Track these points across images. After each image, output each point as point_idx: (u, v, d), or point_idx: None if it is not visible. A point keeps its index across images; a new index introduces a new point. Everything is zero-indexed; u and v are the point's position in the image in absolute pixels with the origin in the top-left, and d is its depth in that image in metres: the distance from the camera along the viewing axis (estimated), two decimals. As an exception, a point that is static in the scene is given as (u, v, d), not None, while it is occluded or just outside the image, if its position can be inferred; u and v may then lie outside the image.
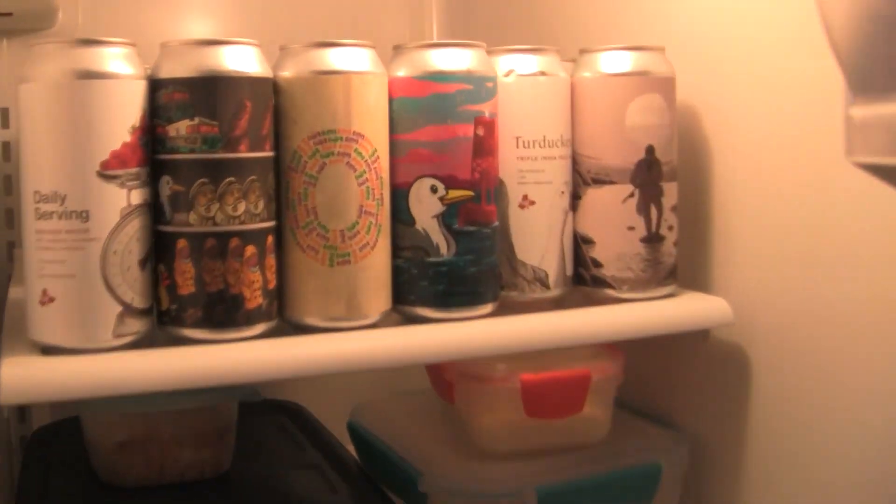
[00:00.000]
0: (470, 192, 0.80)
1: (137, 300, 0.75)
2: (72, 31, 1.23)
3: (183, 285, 0.75)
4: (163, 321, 0.77)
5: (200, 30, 1.33)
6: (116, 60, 0.73)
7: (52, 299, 0.74)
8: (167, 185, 0.75)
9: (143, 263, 0.75)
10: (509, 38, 0.93)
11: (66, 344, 0.74)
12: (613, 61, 0.87)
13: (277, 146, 0.78)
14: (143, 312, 0.75)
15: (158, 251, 0.76)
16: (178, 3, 1.32)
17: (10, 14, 1.10)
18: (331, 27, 1.33)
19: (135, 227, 0.74)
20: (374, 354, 0.78)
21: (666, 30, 0.96)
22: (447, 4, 1.46)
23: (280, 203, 0.79)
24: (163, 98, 0.75)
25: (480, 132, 0.81)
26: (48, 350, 0.75)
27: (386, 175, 0.80)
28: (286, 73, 0.78)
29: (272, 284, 0.78)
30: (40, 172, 0.73)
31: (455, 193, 0.80)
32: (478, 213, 0.81)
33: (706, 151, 0.93)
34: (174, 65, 0.75)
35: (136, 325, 0.75)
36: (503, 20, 1.30)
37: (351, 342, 0.78)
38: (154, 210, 0.76)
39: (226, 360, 0.75)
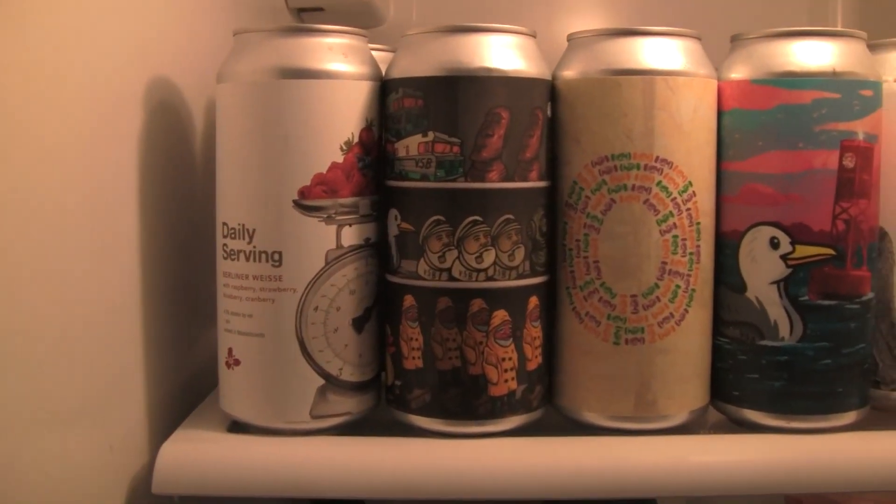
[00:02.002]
0: (829, 250, 0.58)
1: (349, 371, 0.58)
2: (405, 28, 1.11)
3: (409, 357, 0.58)
4: (388, 399, 0.61)
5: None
6: (332, 54, 0.57)
7: (237, 362, 0.59)
8: (395, 222, 0.58)
9: (359, 323, 0.59)
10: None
11: (253, 420, 0.59)
12: None
13: (554, 174, 0.60)
14: (359, 387, 0.59)
15: (386, 307, 0.60)
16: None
17: (321, 9, 1.00)
18: (717, 16, 1.14)
19: (347, 275, 0.58)
20: (657, 473, 0.57)
21: None
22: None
23: (555, 252, 0.61)
24: (392, 105, 0.58)
25: (849, 163, 0.58)
26: (236, 425, 0.60)
27: (708, 220, 0.59)
28: (568, 72, 0.59)
29: (535, 364, 0.59)
30: (226, 198, 0.59)
31: (806, 251, 0.58)
32: (840, 281, 0.58)
33: None
34: (410, 60, 0.58)
35: (345, 405, 0.59)
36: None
37: (632, 451, 0.58)
38: (383, 253, 0.60)
39: (449, 461, 0.57)
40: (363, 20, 1.01)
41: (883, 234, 0.62)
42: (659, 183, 0.57)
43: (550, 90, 0.59)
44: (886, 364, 0.63)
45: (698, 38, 0.60)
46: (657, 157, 0.57)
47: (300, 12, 0.97)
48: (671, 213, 0.57)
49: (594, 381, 0.59)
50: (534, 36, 0.60)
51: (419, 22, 1.06)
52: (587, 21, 1.11)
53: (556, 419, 0.62)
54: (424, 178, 0.57)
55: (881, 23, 1.09)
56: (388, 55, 0.62)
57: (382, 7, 1.00)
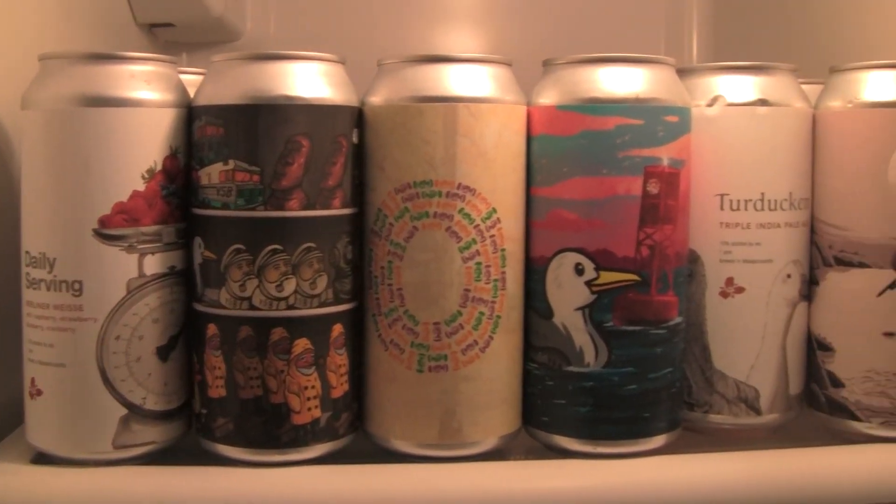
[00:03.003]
0: (633, 276, 0.59)
1: (153, 400, 0.59)
2: (260, 43, 1.12)
3: (213, 385, 0.59)
4: (196, 427, 0.61)
5: (436, 44, 1.18)
6: (134, 82, 0.57)
7: (40, 392, 0.59)
8: (199, 250, 0.58)
9: (164, 352, 0.59)
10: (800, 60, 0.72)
11: (56, 451, 0.59)
12: (876, 85, 0.63)
13: (361, 201, 0.61)
14: (165, 416, 0.60)
15: (193, 336, 0.61)
16: (384, 10, 1.17)
17: (171, 25, 1.00)
18: (575, 44, 1.16)
19: (150, 304, 0.58)
20: (459, 500, 0.58)
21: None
22: (714, 14, 1.24)
23: (364, 279, 0.61)
24: (196, 133, 0.59)
25: (653, 188, 0.60)
26: (41, 457, 0.60)
27: (514, 246, 0.60)
28: (375, 99, 0.60)
29: (340, 391, 0.59)
30: (28, 227, 0.59)
31: (610, 277, 0.59)
32: (644, 307, 0.60)
33: None
34: (213, 88, 0.59)
35: (149, 434, 0.59)
36: (790, 35, 1.06)
37: (435, 479, 0.59)
38: (191, 281, 0.61)
39: (250, 490, 0.57)
40: (216, 35, 1.02)
41: (695, 258, 0.64)
42: (461, 210, 0.58)
43: (358, 117, 0.60)
44: (700, 387, 0.65)
45: (508, 65, 0.61)
46: (459, 185, 0.58)
47: (151, 28, 0.97)
48: (474, 241, 0.58)
49: (400, 408, 0.60)
50: (342, 63, 0.60)
51: (277, 36, 1.07)
52: (456, 46, 1.13)
53: (368, 446, 0.62)
54: (225, 206, 0.57)
55: (735, 50, 1.12)
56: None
57: (236, 22, 1.01)
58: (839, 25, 0.92)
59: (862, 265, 0.63)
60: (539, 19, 1.19)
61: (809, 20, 0.99)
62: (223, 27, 1.03)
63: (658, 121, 0.59)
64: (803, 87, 0.68)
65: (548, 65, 0.62)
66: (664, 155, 0.59)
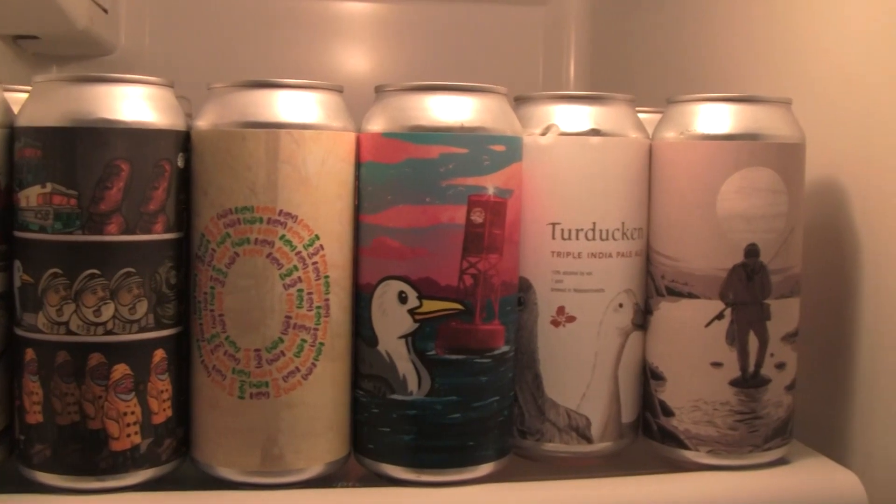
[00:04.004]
0: (456, 305, 0.61)
1: (-34, 426, 0.60)
2: (136, 57, 1.13)
3: (31, 411, 0.59)
4: (17, 454, 0.61)
5: (301, 66, 1.20)
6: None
7: None
8: (18, 273, 0.59)
9: (-22, 376, 0.61)
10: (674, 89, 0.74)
11: None
12: (708, 118, 0.65)
13: (190, 226, 0.62)
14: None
15: (12, 360, 0.61)
16: (263, 30, 1.19)
17: (35, 37, 1.01)
18: (453, 73, 1.18)
19: (-38, 329, 0.59)
20: None
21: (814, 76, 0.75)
22: (590, 48, 1.27)
23: (189, 305, 0.62)
24: (17, 154, 0.59)
25: (478, 217, 0.61)
26: None
27: (340, 273, 0.61)
28: (201, 123, 0.61)
29: (162, 417, 0.60)
30: None
31: (433, 305, 0.60)
32: (468, 336, 0.61)
33: (851, 251, 0.70)
34: (34, 109, 0.59)
35: (-40, 461, 0.60)
36: (667, 69, 1.08)
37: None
38: (10, 304, 0.61)
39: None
40: (85, 48, 1.03)
41: (527, 286, 0.65)
42: (283, 237, 0.59)
43: (185, 141, 0.61)
44: (532, 415, 0.66)
45: (339, 91, 0.63)
46: (281, 211, 0.59)
47: (16, 39, 0.98)
48: (296, 267, 0.60)
49: (223, 435, 0.61)
50: (170, 86, 0.61)
51: (152, 51, 1.08)
52: (334, 70, 1.15)
53: (196, 473, 0.63)
54: (43, 230, 0.58)
55: (612, 80, 1.14)
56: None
57: (107, 35, 1.02)
58: (712, 56, 0.94)
59: (691, 295, 0.65)
60: (416, 46, 1.22)
61: (682, 51, 1.01)
62: (91, 41, 1.03)
63: (483, 150, 0.61)
64: (652, 117, 0.70)
65: (379, 91, 0.64)
66: (490, 184, 0.61)
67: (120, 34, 1.10)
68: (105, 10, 1.02)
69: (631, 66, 1.15)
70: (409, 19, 1.22)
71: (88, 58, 1.08)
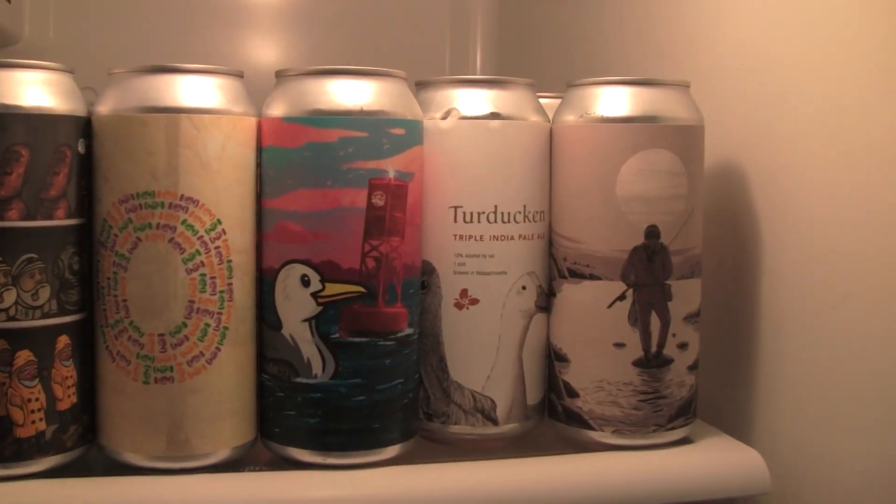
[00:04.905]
0: (359, 288, 0.62)
1: None
2: (41, 48, 1.13)
3: (-68, 400, 0.62)
4: (-77, 446, 0.64)
5: (198, 52, 1.19)
6: None
7: None
8: (-82, 261, 0.62)
9: None
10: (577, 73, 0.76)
11: None
12: (607, 101, 0.67)
13: (92, 212, 0.63)
14: None
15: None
16: (168, 19, 1.20)
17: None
18: (359, 58, 1.19)
19: None
20: None
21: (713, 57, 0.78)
22: (496, 34, 1.30)
23: (92, 291, 0.64)
24: (-86, 140, 0.61)
25: (378, 200, 0.63)
26: None
27: (242, 258, 0.63)
28: (102, 108, 0.62)
29: (67, 403, 0.61)
30: None
31: (335, 288, 0.62)
32: (371, 318, 0.63)
33: (751, 233, 0.73)
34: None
35: None
36: (572, 54, 1.10)
37: (158, 492, 0.61)
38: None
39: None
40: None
41: (430, 270, 0.67)
42: (184, 221, 0.60)
43: (86, 127, 0.62)
44: (437, 397, 0.68)
45: (239, 76, 0.64)
46: (182, 196, 0.60)
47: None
48: (198, 252, 0.61)
49: (128, 420, 0.62)
50: (70, 72, 0.62)
51: (56, 41, 1.09)
52: (239, 55, 1.17)
53: (102, 459, 0.64)
54: (-61, 216, 0.59)
55: (518, 65, 1.17)
56: None
57: (11, 25, 1.02)
58: (613, 41, 0.97)
59: (593, 277, 0.67)
60: (323, 33, 1.23)
61: (585, 36, 1.04)
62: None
63: (383, 133, 0.63)
64: (552, 101, 0.72)
65: (279, 76, 0.65)
66: (390, 167, 0.63)
67: (24, 24, 1.10)
68: (8, 1, 1.03)
69: (537, 52, 1.18)
70: (314, 4, 1.23)
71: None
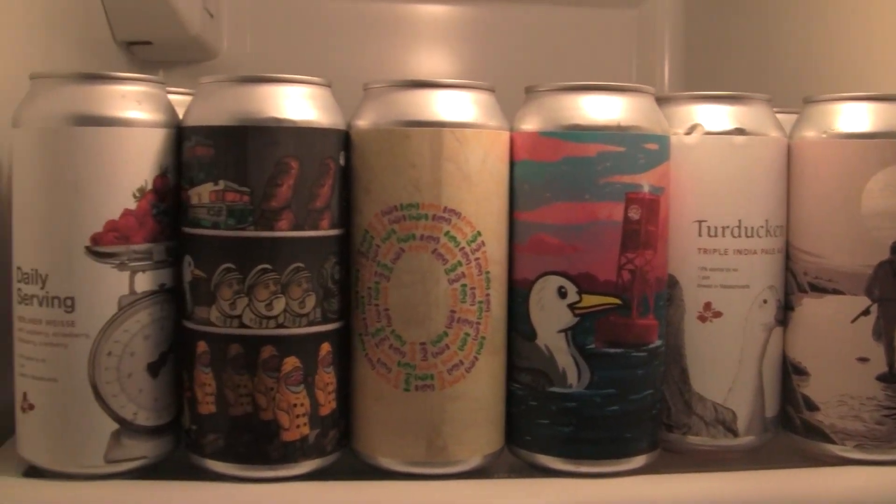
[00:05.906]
0: (615, 300, 0.64)
1: (144, 416, 0.63)
2: (237, 62, 1.18)
3: (203, 402, 0.63)
4: (186, 443, 0.65)
5: (414, 68, 1.25)
6: (125, 102, 0.62)
7: (32, 406, 0.63)
8: (189, 268, 0.63)
9: (155, 368, 0.63)
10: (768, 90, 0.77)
11: (48, 465, 0.64)
12: (850, 117, 0.68)
13: (350, 222, 0.66)
14: (155, 431, 0.64)
15: (182, 352, 0.65)
16: (353, 31, 1.23)
17: (149, 43, 1.05)
18: (549, 73, 1.22)
19: (141, 321, 0.62)
20: None
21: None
22: (685, 43, 1.31)
23: (351, 299, 0.66)
24: (186, 153, 0.63)
25: (635, 214, 0.64)
26: (33, 470, 0.64)
27: (498, 269, 0.65)
28: (361, 122, 0.64)
29: (328, 409, 0.64)
30: (20, 243, 0.63)
31: (592, 300, 0.64)
32: (626, 330, 0.64)
33: None
34: (202, 109, 0.63)
35: (140, 448, 0.63)
36: (759, 65, 1.12)
37: (420, 495, 0.63)
38: (179, 298, 0.65)
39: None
40: (192, 53, 1.07)
41: (674, 283, 0.69)
42: (447, 233, 0.63)
43: (345, 140, 0.65)
44: (678, 409, 0.69)
45: (491, 91, 0.66)
46: (445, 208, 0.62)
47: (129, 45, 1.02)
48: (460, 263, 0.63)
49: (387, 426, 0.64)
50: (329, 86, 0.65)
51: (254, 55, 1.12)
52: (432, 70, 1.19)
53: (355, 463, 0.67)
54: (216, 225, 0.61)
55: (706, 80, 1.18)
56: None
57: (213, 41, 1.06)
58: (808, 57, 0.97)
59: (836, 292, 0.68)
60: (512, 47, 1.25)
61: (780, 51, 1.04)
62: (199, 46, 1.07)
63: (639, 148, 0.64)
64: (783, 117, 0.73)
65: (530, 92, 0.67)
66: (645, 182, 0.64)
67: (223, 39, 1.14)
68: (211, 15, 1.06)
69: (726, 66, 1.19)
70: (500, 18, 1.26)
71: (192, 63, 1.12)
